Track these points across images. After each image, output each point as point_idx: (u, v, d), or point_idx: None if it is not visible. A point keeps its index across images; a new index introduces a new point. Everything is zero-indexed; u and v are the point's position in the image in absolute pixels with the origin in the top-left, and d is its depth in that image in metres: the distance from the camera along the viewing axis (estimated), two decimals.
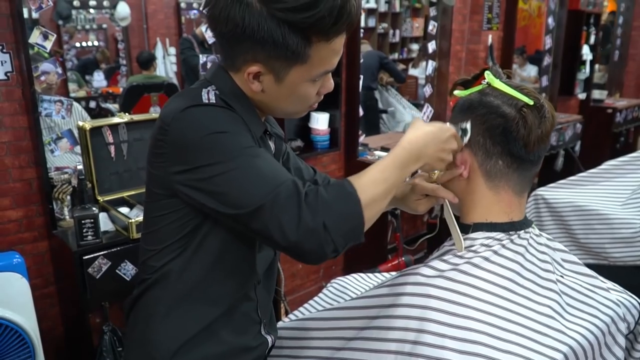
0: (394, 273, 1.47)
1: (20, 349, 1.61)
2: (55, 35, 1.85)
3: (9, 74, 1.78)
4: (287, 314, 2.44)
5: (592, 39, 4.58)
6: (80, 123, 1.93)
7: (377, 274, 1.45)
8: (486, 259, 0.90)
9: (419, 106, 4.36)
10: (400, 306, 0.88)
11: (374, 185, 0.82)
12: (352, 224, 0.79)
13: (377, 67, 4.53)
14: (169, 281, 0.91)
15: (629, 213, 1.89)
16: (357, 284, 1.38)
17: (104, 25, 4.57)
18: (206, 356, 0.93)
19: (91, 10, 4.42)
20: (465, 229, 0.97)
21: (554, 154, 4.02)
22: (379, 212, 0.84)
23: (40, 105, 1.88)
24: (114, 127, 1.99)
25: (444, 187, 1.00)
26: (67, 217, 1.95)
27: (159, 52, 4.47)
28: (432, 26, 3.40)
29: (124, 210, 1.93)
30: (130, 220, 1.78)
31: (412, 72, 5.79)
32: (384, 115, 4.68)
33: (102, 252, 1.76)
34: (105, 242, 1.79)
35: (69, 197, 1.95)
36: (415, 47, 7.13)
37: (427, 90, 3.53)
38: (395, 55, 6.95)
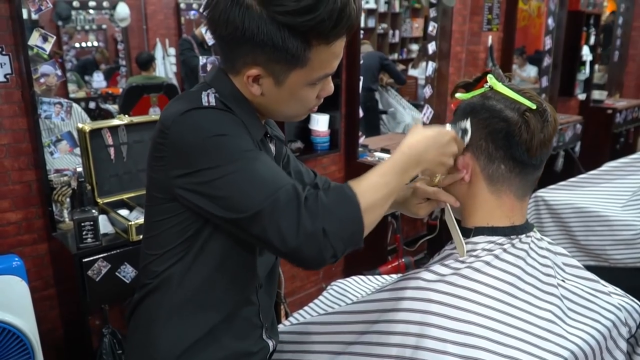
0: (394, 276, 1.47)
1: (19, 352, 1.60)
2: (54, 37, 1.85)
3: (8, 76, 1.78)
4: (287, 316, 2.44)
5: (592, 40, 4.57)
6: (80, 125, 1.93)
7: (377, 277, 1.45)
8: (487, 263, 0.90)
9: (419, 107, 4.36)
10: (401, 310, 0.88)
11: (374, 190, 0.82)
12: (351, 229, 0.79)
13: (378, 68, 4.53)
14: (170, 286, 0.91)
15: (630, 215, 1.88)
16: (357, 287, 1.38)
17: (104, 26, 4.56)
18: None
19: (91, 11, 4.41)
20: (467, 232, 0.96)
21: (553, 155, 4.02)
22: (378, 217, 0.84)
23: (39, 108, 1.87)
24: (113, 129, 1.98)
25: (445, 191, 1.00)
26: (67, 219, 1.94)
27: (158, 52, 4.47)
28: (432, 27, 3.40)
29: (124, 212, 1.92)
30: (130, 223, 1.78)
31: (412, 72, 5.78)
32: (384, 116, 4.67)
33: (101, 255, 1.76)
34: (104, 245, 1.78)
35: (68, 200, 1.95)
36: (414, 47, 7.12)
37: (427, 91, 3.52)
38: (395, 56, 6.94)
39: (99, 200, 1.95)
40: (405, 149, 0.87)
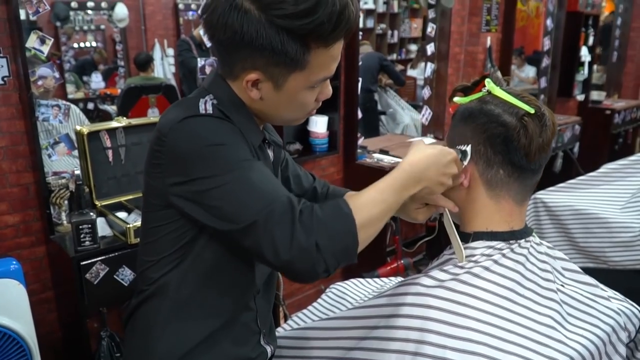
0: (393, 278, 1.47)
1: (17, 355, 1.60)
2: (52, 40, 1.84)
3: (5, 79, 1.77)
4: (286, 317, 2.43)
5: (591, 40, 4.58)
6: (78, 127, 1.92)
7: (376, 280, 1.45)
8: (486, 268, 0.90)
9: (418, 107, 4.36)
10: (400, 316, 0.88)
11: (371, 206, 0.81)
12: (345, 245, 0.78)
13: (378, 69, 4.52)
14: (167, 293, 0.91)
15: (628, 217, 1.89)
16: (356, 290, 1.37)
17: (102, 26, 4.56)
18: None
19: (89, 12, 4.41)
20: (466, 237, 0.96)
21: (552, 156, 4.02)
22: (374, 233, 0.83)
23: (37, 110, 1.86)
24: (111, 132, 1.98)
25: (444, 196, 1.00)
26: (65, 222, 1.94)
27: (157, 53, 4.46)
28: (431, 28, 3.40)
29: (122, 215, 1.92)
30: (128, 226, 1.77)
31: (411, 73, 5.78)
32: (383, 117, 4.67)
33: (99, 258, 1.75)
34: (103, 248, 1.78)
35: (66, 202, 1.94)
36: (413, 47, 7.12)
37: (426, 92, 3.52)
38: (394, 56, 6.95)
39: (97, 202, 1.94)
40: (406, 167, 0.86)
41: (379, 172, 2.68)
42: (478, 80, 1.01)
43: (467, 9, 3.55)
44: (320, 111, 2.69)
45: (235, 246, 0.84)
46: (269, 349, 1.03)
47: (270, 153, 0.99)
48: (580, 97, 4.64)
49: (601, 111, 4.62)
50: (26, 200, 1.91)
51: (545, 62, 4.24)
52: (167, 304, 0.91)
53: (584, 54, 4.51)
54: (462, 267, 0.91)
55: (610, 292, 1.01)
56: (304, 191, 1.15)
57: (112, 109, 4.15)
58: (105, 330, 1.93)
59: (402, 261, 2.79)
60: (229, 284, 0.92)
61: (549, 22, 4.15)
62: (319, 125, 2.73)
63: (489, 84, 0.97)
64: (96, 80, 4.40)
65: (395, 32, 7.00)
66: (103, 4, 4.34)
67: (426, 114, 3.45)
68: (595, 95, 4.84)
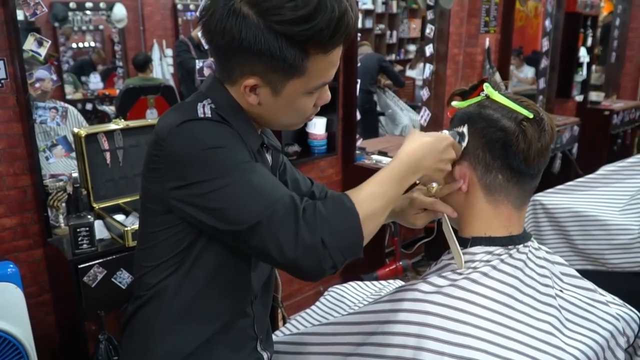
0: (392, 281, 1.46)
1: (14, 359, 1.59)
2: (50, 42, 1.84)
3: (3, 81, 1.76)
4: (284, 320, 2.43)
5: (589, 41, 4.58)
6: (76, 130, 1.91)
7: (374, 282, 1.45)
8: (485, 274, 0.89)
9: (417, 108, 4.35)
10: (397, 322, 0.87)
11: (372, 199, 0.81)
12: (350, 240, 0.78)
13: (377, 70, 4.52)
14: (164, 298, 0.90)
15: (627, 219, 1.88)
16: (354, 293, 1.37)
17: (101, 27, 4.55)
18: None
19: (87, 12, 4.40)
20: (464, 242, 0.96)
21: (551, 157, 4.02)
22: (377, 226, 0.83)
23: (34, 112, 1.86)
24: (109, 134, 1.97)
25: (442, 201, 0.99)
26: (63, 224, 1.93)
27: (155, 54, 4.46)
28: (430, 29, 3.39)
29: (120, 217, 1.91)
30: (126, 228, 1.77)
31: (410, 73, 5.78)
32: (382, 118, 4.67)
33: (97, 261, 1.74)
34: (100, 251, 1.77)
35: (64, 205, 1.93)
36: (412, 48, 7.13)
37: (425, 93, 3.52)
38: (393, 57, 6.95)
39: (94, 205, 1.94)
40: (403, 157, 0.86)
41: None
42: (476, 84, 1.01)
43: (466, 10, 3.55)
44: (319, 112, 2.66)
45: (238, 248, 0.83)
46: (265, 355, 1.02)
47: (269, 157, 0.99)
48: (579, 98, 4.65)
49: (600, 112, 4.62)
50: (23, 203, 1.90)
51: (544, 62, 4.24)
52: (165, 309, 0.90)
53: (583, 55, 4.51)
54: (460, 273, 0.90)
55: (608, 297, 1.01)
56: (301, 195, 1.14)
57: (110, 109, 4.15)
58: (103, 333, 1.92)
59: (400, 263, 2.79)
60: (226, 289, 0.92)
61: (547, 22, 4.15)
62: (318, 126, 2.73)
63: (487, 88, 0.96)
64: (94, 81, 4.39)
65: (394, 33, 7.00)
66: (101, 5, 4.33)
67: (425, 115, 3.45)
68: (593, 95, 4.84)
